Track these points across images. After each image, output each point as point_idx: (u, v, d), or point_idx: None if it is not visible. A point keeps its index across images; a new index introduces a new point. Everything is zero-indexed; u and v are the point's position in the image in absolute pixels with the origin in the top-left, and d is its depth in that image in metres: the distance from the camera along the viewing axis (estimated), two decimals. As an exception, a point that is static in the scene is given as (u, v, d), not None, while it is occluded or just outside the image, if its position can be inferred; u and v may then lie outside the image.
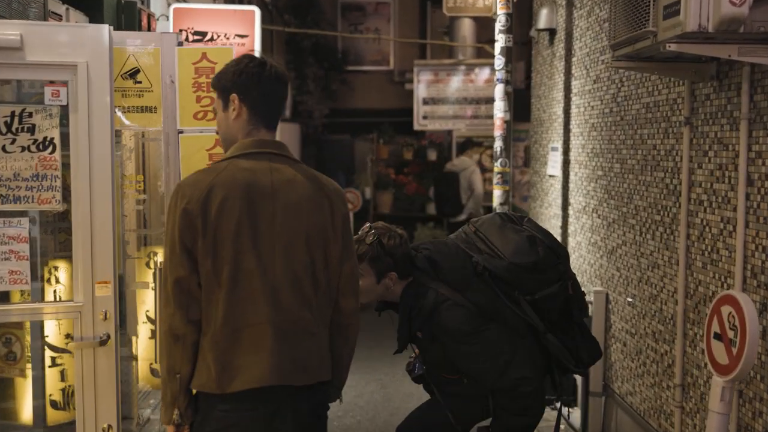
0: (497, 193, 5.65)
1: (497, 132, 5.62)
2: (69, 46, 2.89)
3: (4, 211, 2.94)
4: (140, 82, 3.16)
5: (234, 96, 2.33)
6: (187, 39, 5.89)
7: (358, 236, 2.87)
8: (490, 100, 9.93)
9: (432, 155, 10.82)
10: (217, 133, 2.49)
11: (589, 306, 4.84)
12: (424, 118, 10.15)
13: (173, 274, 2.24)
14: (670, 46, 2.73)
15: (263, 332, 2.24)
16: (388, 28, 13.98)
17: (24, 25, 2.85)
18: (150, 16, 5.33)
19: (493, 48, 9.62)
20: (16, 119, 2.90)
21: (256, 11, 6.15)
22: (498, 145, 5.61)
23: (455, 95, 10.08)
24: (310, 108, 12.85)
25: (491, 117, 10.14)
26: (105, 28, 2.91)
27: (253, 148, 2.32)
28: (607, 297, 4.74)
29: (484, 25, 10.58)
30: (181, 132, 3.15)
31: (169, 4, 6.00)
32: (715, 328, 2.76)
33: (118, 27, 5.02)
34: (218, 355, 2.23)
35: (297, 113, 12.45)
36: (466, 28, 10.30)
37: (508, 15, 5.53)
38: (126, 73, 3.16)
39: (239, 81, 2.33)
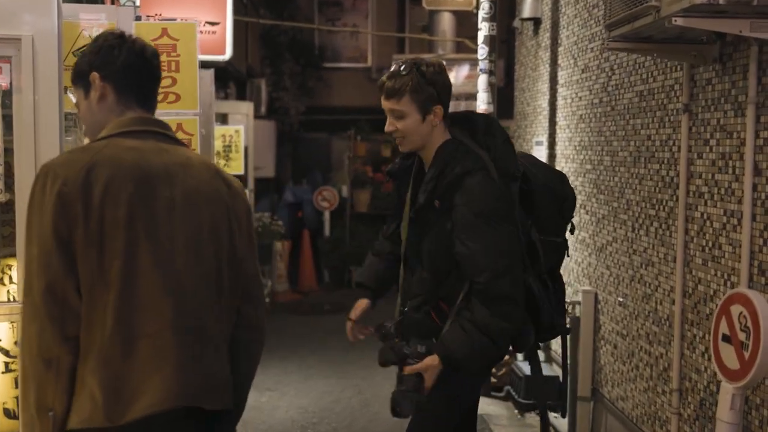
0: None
1: (480, 124, 5.38)
2: (12, 18, 2.60)
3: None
4: (94, 60, 2.87)
5: (94, 75, 1.96)
6: (154, 25, 5.58)
7: (390, 73, 2.58)
8: (471, 96, 9.67)
9: (410, 152, 10.57)
10: (85, 133, 2.09)
11: (577, 306, 4.61)
12: (403, 114, 9.88)
13: (42, 277, 1.78)
14: (675, 21, 2.49)
15: (165, 342, 1.82)
16: (365, 24, 13.71)
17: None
18: (113, 2, 5.02)
19: (474, 43, 9.38)
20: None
21: (228, -2, 5.86)
22: (481, 138, 5.37)
23: (435, 91, 9.82)
24: (286, 105, 12.55)
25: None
26: (54, 0, 2.62)
27: (134, 125, 1.96)
28: (596, 297, 4.51)
29: (464, 20, 10.35)
30: (139, 115, 2.86)
31: (135, -11, 5.68)
32: (724, 329, 2.53)
33: (79, 2, 4.71)
34: (106, 376, 1.76)
35: (273, 110, 12.15)
36: (446, 23, 10.06)
37: (492, 2, 5.30)
38: (78, 50, 2.86)
39: (97, 58, 1.98)
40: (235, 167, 6.70)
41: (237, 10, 7.77)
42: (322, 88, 13.34)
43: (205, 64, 6.57)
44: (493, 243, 2.47)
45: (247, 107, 7.60)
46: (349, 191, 10.67)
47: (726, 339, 2.50)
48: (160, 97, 2.95)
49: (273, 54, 12.48)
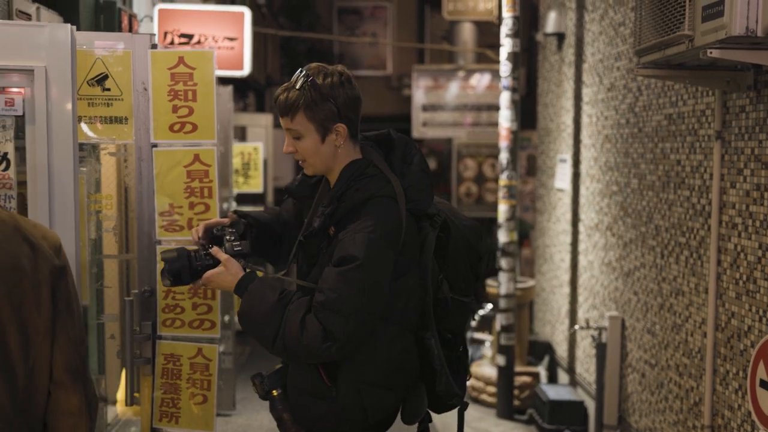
0: (503, 208, 5.30)
1: (503, 143, 5.27)
2: (25, 48, 2.53)
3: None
4: (109, 90, 2.80)
5: None
6: (172, 42, 5.53)
7: (285, 85, 2.26)
8: (492, 107, 9.60)
9: (432, 163, 10.46)
10: None
11: (603, 332, 4.49)
12: (424, 125, 9.79)
13: None
14: (711, 53, 2.38)
15: None
16: (385, 33, 13.64)
17: (-28, 24, 2.50)
18: (132, 17, 4.98)
19: (495, 53, 9.27)
20: (-33, 131, 2.55)
21: (246, 12, 5.80)
22: (504, 156, 5.27)
23: (455, 101, 9.73)
24: (305, 114, 12.46)
25: (493, 124, 9.83)
26: (66, 28, 2.56)
27: None
28: (623, 323, 4.39)
29: (485, 30, 10.25)
30: (155, 146, 2.79)
31: (153, 4, 5.65)
32: (762, 374, 2.41)
33: (96, 29, 4.67)
34: None
35: (292, 119, 12.07)
36: (467, 33, 9.95)
37: (516, 18, 5.19)
38: (93, 79, 2.80)
39: None
40: (254, 185, 6.64)
41: (256, 20, 7.73)
42: (341, 97, 13.23)
43: (223, 80, 6.56)
44: (363, 279, 2.09)
45: (265, 119, 7.53)
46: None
47: (764, 385, 2.39)
48: (176, 127, 2.90)
49: (292, 62, 12.43)
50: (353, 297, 2.09)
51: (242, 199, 6.73)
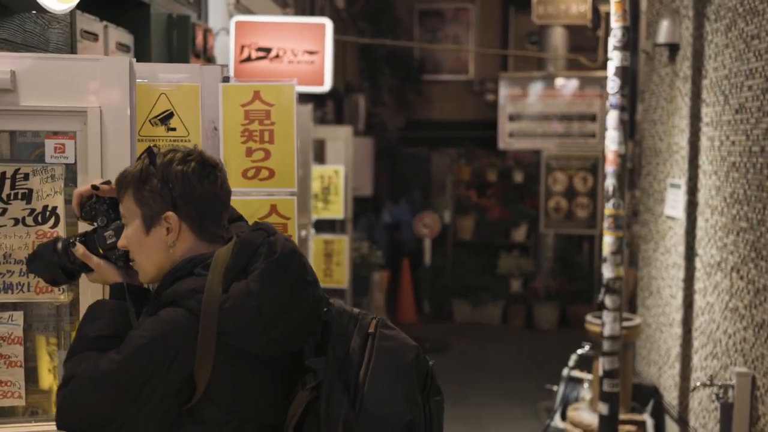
0: (609, 240, 4.75)
1: (610, 167, 4.72)
2: (77, 86, 2.18)
3: (-7, 302, 2.24)
4: (174, 129, 2.43)
5: None
6: (249, 57, 5.19)
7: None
8: (584, 117, 9.00)
9: (518, 177, 9.91)
10: None
11: (730, 390, 3.92)
12: (510, 135, 9.25)
13: None
14: None
15: None
16: (467, 35, 13.13)
17: (17, 59, 2.15)
18: (207, 32, 4.64)
19: (589, 59, 8.67)
20: (8, 183, 2.20)
21: (328, 24, 5.42)
22: (611, 183, 4.72)
23: (544, 111, 9.16)
24: (384, 120, 12.12)
25: (585, 135, 9.22)
26: (125, 61, 2.19)
27: None
28: (753, 381, 3.81)
29: (577, 34, 9.64)
30: (225, 194, 2.41)
31: (230, 16, 5.31)
32: None
33: (169, 46, 4.35)
34: None
35: (371, 126, 11.73)
36: (557, 37, 9.36)
37: (626, 29, 4.63)
38: (156, 117, 2.43)
39: None
40: (334, 211, 6.25)
41: (336, 28, 7.37)
42: (421, 102, 12.87)
43: (302, 96, 6.20)
44: (116, 379, 1.68)
45: (345, 132, 7.16)
46: (451, 217, 10.11)
47: None
48: (251, 173, 2.52)
49: (371, 67, 12.07)
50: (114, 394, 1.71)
51: (321, 225, 6.36)
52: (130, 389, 1.68)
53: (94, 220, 1.88)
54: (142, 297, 1.88)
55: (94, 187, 1.90)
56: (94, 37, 3.56)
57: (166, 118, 2.43)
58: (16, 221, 2.20)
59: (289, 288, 1.72)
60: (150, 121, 2.43)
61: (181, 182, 1.74)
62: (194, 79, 2.45)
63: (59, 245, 1.88)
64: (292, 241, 1.87)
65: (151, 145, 1.81)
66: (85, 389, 1.70)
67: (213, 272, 1.70)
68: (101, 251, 1.85)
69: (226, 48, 5.20)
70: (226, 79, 2.43)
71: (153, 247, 1.77)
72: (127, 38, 3.99)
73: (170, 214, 1.74)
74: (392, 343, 1.85)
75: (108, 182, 1.95)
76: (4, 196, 2.20)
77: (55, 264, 1.87)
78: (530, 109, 9.25)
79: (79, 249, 1.86)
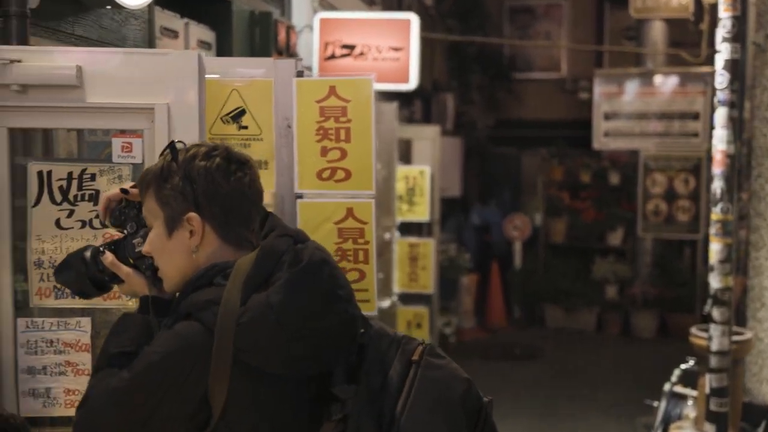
0: (716, 247, 4.38)
1: (717, 169, 4.36)
2: (144, 82, 2.06)
3: (59, 308, 2.15)
4: (246, 127, 2.29)
5: None
6: (333, 55, 5.06)
7: None
8: (686, 115, 8.52)
9: (614, 178, 9.48)
10: None
11: None
12: (606, 135, 8.85)
13: None
14: None
15: None
16: (559, 32, 12.72)
17: (83, 54, 2.04)
18: (289, 29, 4.53)
19: (691, 55, 8.19)
20: (75, 183, 2.11)
21: (413, 19, 5.24)
22: (719, 185, 4.35)
23: (643, 109, 8.72)
24: (473, 119, 11.87)
25: (686, 135, 8.72)
26: (194, 56, 2.06)
27: None
28: None
29: (678, 28, 9.15)
30: (299, 197, 2.25)
31: (314, 13, 5.20)
32: None
33: (251, 43, 4.25)
34: None
35: (459, 125, 11.50)
36: (657, 32, 8.90)
37: (735, 18, 4.26)
38: (227, 114, 2.29)
39: None
40: (419, 212, 6.05)
41: (423, 25, 7.19)
42: (511, 101, 12.56)
43: (387, 94, 6.04)
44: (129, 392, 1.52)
45: (432, 131, 6.96)
46: (542, 219, 9.77)
47: None
48: (325, 174, 2.35)
49: (460, 66, 11.84)
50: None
51: (406, 228, 6.17)
52: (139, 409, 1.51)
53: (123, 227, 1.72)
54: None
55: (124, 190, 1.73)
56: (174, 34, 3.48)
57: (237, 115, 2.30)
58: (83, 223, 2.11)
59: (316, 300, 1.51)
60: (221, 118, 2.29)
61: (204, 179, 1.56)
62: (267, 73, 2.31)
63: (88, 254, 1.72)
64: (325, 250, 1.64)
65: (175, 140, 1.63)
66: (99, 409, 1.55)
67: (232, 282, 1.51)
68: (131, 260, 1.69)
69: (309, 45, 5.09)
70: (300, 74, 2.27)
71: (176, 251, 1.59)
72: (209, 35, 3.91)
73: (193, 215, 1.56)
74: (439, 373, 1.59)
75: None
76: (71, 197, 2.11)
77: (83, 274, 1.71)
78: (627, 107, 8.84)
79: (108, 257, 1.69)
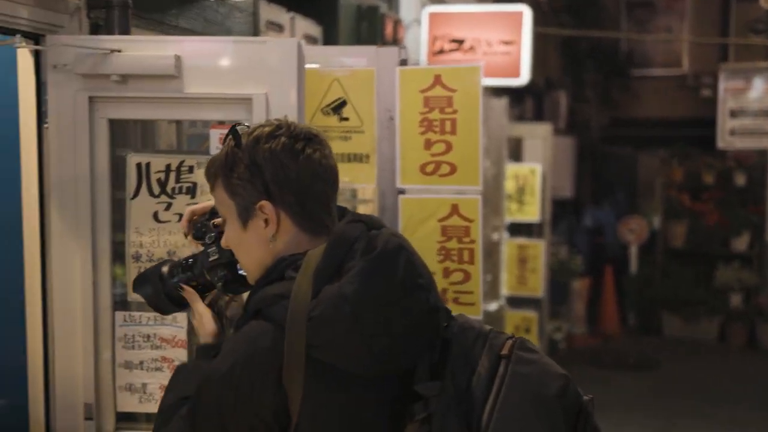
0: None
1: None
2: (242, 71, 2.00)
3: (156, 303, 2.11)
4: (347, 119, 2.19)
5: None
6: (442, 50, 4.93)
7: None
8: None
9: (740, 179, 8.92)
10: None
11: None
12: (731, 134, 8.33)
13: None
14: None
15: None
16: (680, 27, 12.13)
17: (181, 44, 2.00)
18: (397, 23, 4.43)
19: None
20: (173, 176, 2.06)
21: (525, 12, 5.04)
22: None
23: (771, 105, 8.17)
24: (586, 118, 11.47)
25: (823, 133, 8.13)
26: (293, 44, 1.98)
27: None
28: None
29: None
30: (401, 192, 2.13)
31: (422, 7, 5.08)
32: None
33: (357, 37, 4.18)
34: None
35: (572, 124, 11.13)
36: (791, 22, 8.32)
37: None
38: (328, 106, 2.20)
39: None
40: (529, 213, 5.83)
41: (535, 20, 6.97)
42: (627, 98, 12.06)
43: (497, 90, 5.86)
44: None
45: (544, 130, 6.71)
46: (661, 223, 9.31)
47: None
48: (429, 168, 2.22)
49: (573, 62, 11.46)
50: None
51: (515, 229, 5.96)
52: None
53: (203, 240, 1.60)
54: None
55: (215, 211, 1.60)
56: (279, 28, 3.43)
57: (338, 106, 2.21)
58: (181, 217, 2.06)
59: (394, 289, 1.36)
60: (321, 110, 2.21)
61: (271, 163, 1.41)
62: (370, 63, 2.21)
63: (165, 269, 1.61)
64: (402, 236, 1.47)
65: (237, 123, 1.48)
66: None
67: (302, 274, 1.37)
68: (207, 276, 1.56)
69: (417, 40, 4.98)
70: (403, 63, 2.16)
71: (253, 243, 1.45)
72: (315, 30, 3.86)
73: (264, 203, 1.42)
74: (532, 368, 1.40)
75: None
76: (168, 189, 2.07)
77: (160, 291, 1.60)
78: (755, 104, 8.31)
79: (188, 293, 1.58)
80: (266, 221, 1.43)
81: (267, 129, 1.43)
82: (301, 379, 1.33)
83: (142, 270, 2.06)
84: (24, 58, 2.12)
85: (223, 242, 1.52)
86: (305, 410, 1.35)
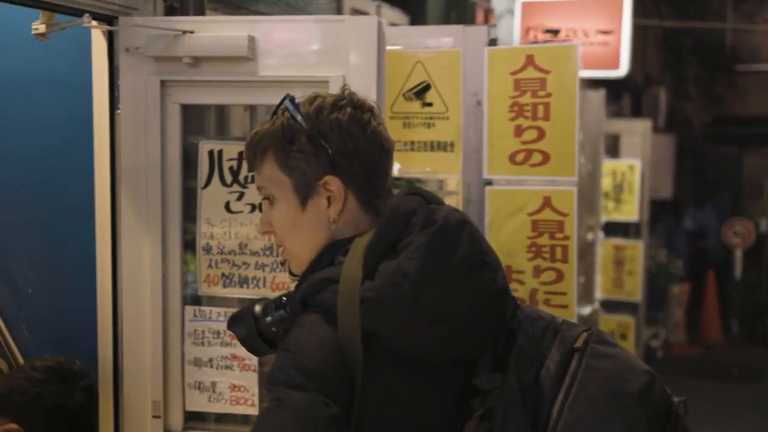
0: None
1: None
2: (318, 52, 1.87)
3: (226, 297, 2.01)
4: (431, 105, 2.04)
5: None
6: (535, 41, 4.72)
7: None
8: None
9: None
10: None
11: None
12: None
13: None
14: None
15: None
16: (792, 18, 11.52)
17: (255, 24, 1.89)
18: (488, 12, 4.26)
19: None
20: (245, 164, 1.95)
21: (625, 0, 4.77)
22: None
23: None
24: (688, 116, 11.02)
25: None
26: (373, 22, 1.84)
27: None
28: None
29: None
30: (488, 183, 1.96)
31: (515, -3, 4.89)
32: None
33: (446, 27, 4.03)
34: None
35: (672, 122, 10.69)
36: None
37: None
38: (410, 90, 2.05)
39: None
40: (627, 212, 5.53)
41: (634, 11, 6.67)
42: (733, 95, 11.56)
43: (593, 82, 5.59)
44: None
45: (642, 126, 6.39)
46: (768, 225, 8.85)
47: None
48: (519, 157, 2.04)
49: (674, 58, 11.03)
50: None
51: (611, 228, 5.68)
52: None
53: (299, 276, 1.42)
54: None
55: None
56: (364, 15, 3.32)
57: (421, 91, 2.06)
58: (253, 207, 1.96)
59: (459, 267, 1.20)
60: (403, 94, 2.06)
61: (339, 134, 1.26)
62: (456, 44, 2.04)
63: (258, 309, 1.43)
64: (462, 212, 1.32)
65: (288, 94, 1.33)
66: None
67: (352, 254, 1.20)
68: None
69: (509, 31, 4.79)
70: (493, 42, 1.98)
71: (311, 225, 1.29)
72: (402, 19, 3.74)
73: (331, 177, 1.27)
74: (610, 362, 1.22)
75: None
76: (241, 178, 1.97)
77: (253, 331, 1.42)
78: None
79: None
80: (329, 199, 1.28)
81: (329, 99, 1.30)
82: (359, 368, 1.17)
83: (213, 263, 1.97)
84: (98, 43, 2.06)
85: (263, 228, 1.38)
86: (366, 401, 1.19)
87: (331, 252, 1.27)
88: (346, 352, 1.17)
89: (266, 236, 1.54)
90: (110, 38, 2.01)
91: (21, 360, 2.18)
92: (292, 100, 1.30)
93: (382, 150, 1.30)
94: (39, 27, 1.88)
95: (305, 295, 1.23)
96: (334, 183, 1.27)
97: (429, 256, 1.18)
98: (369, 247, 1.20)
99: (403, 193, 1.29)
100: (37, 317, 2.23)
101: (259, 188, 1.37)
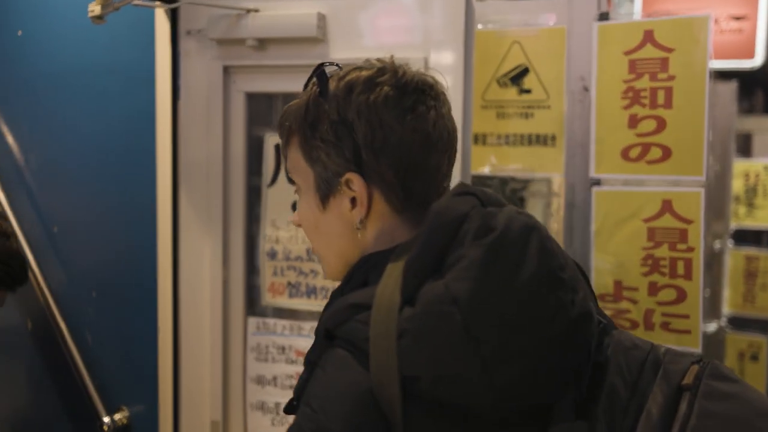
0: None
1: None
2: (397, 32, 1.64)
3: (297, 311, 1.80)
4: (529, 91, 1.76)
5: None
6: (657, 27, 4.30)
7: None
8: None
9: None
10: None
11: None
12: None
13: None
14: None
15: None
16: None
17: (326, 1, 1.66)
18: (604, -3, 3.88)
19: None
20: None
21: (764, -20, 4.26)
22: None
23: None
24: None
25: None
26: (460, -5, 1.58)
27: None
28: None
29: None
30: (596, 183, 1.66)
31: (636, -17, 4.47)
32: None
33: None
34: None
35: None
36: None
37: None
38: (506, 75, 1.78)
39: None
40: (761, 218, 5.01)
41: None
42: None
43: (722, 74, 5.08)
44: None
45: (779, 124, 5.79)
46: None
47: None
48: (634, 153, 1.72)
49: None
50: None
51: (742, 236, 5.16)
52: None
53: None
54: None
55: None
56: None
57: (519, 75, 1.77)
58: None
59: (526, 290, 0.90)
60: (497, 80, 1.78)
61: (366, 122, 0.96)
62: (559, 20, 1.75)
63: None
64: (530, 215, 0.99)
65: (326, 63, 1.04)
66: None
67: (389, 272, 0.91)
68: None
69: (629, 18, 4.38)
70: (604, 16, 1.68)
71: (333, 228, 1.02)
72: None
73: (353, 175, 0.99)
74: (730, 406, 0.90)
75: None
76: (309, 176, 1.74)
77: None
78: None
79: None
80: (353, 201, 1.01)
81: (365, 73, 1.00)
82: (398, 423, 0.89)
83: (278, 270, 1.76)
84: (161, 26, 1.89)
85: (293, 218, 1.13)
86: None
87: (363, 269, 1.00)
88: (382, 401, 0.90)
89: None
90: (173, 21, 1.84)
91: (84, 371, 2.03)
92: (322, 72, 1.02)
93: (425, 143, 1.00)
94: (94, 8, 1.73)
95: (330, 325, 0.96)
96: (356, 182, 1.00)
97: (485, 274, 0.90)
98: (408, 264, 0.92)
99: (452, 194, 1.00)
100: (100, 325, 2.08)
101: (289, 174, 1.11)
